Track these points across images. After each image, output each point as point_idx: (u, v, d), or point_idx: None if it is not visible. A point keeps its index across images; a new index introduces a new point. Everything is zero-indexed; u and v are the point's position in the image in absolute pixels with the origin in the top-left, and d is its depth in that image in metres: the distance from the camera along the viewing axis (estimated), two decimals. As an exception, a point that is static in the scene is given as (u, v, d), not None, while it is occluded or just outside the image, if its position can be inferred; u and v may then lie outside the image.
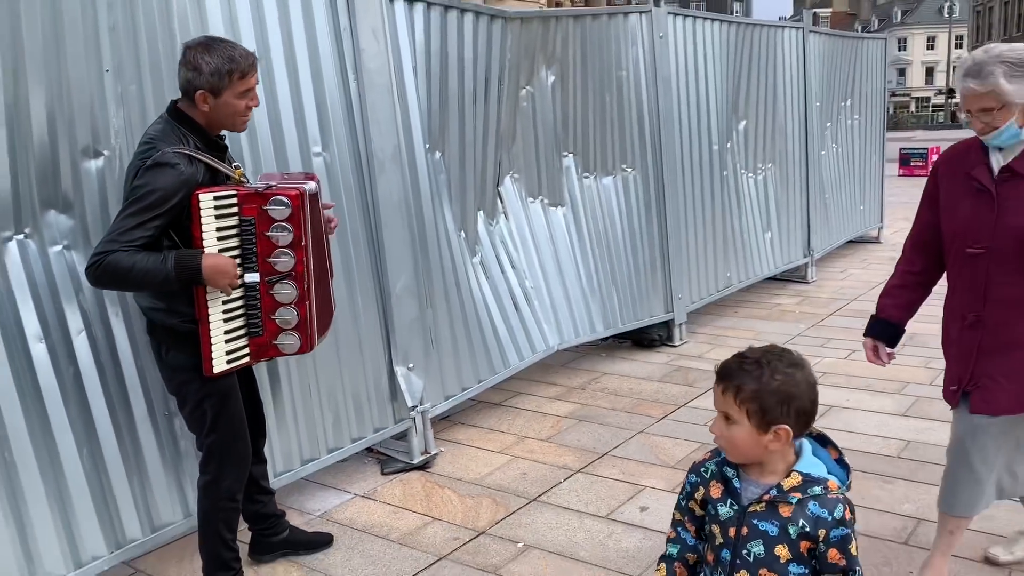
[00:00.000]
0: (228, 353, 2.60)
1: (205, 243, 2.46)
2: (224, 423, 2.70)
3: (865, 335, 2.73)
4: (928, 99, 69.94)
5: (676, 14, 5.57)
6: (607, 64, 5.17)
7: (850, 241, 8.82)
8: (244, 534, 3.03)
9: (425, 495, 3.62)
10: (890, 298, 2.70)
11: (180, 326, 2.58)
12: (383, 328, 3.80)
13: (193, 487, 2.93)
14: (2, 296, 2.58)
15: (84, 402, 2.76)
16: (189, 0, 3.01)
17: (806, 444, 1.72)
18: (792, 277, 7.60)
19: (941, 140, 24.85)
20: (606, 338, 5.57)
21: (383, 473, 3.86)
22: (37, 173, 2.65)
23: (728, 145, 6.23)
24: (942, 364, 2.65)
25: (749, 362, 1.65)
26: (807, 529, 1.63)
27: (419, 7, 3.95)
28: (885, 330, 2.69)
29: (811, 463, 1.69)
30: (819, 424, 1.72)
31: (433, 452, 3.97)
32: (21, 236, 2.64)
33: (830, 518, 1.62)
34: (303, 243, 2.58)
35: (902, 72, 71.68)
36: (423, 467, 3.89)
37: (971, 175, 2.43)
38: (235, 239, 2.54)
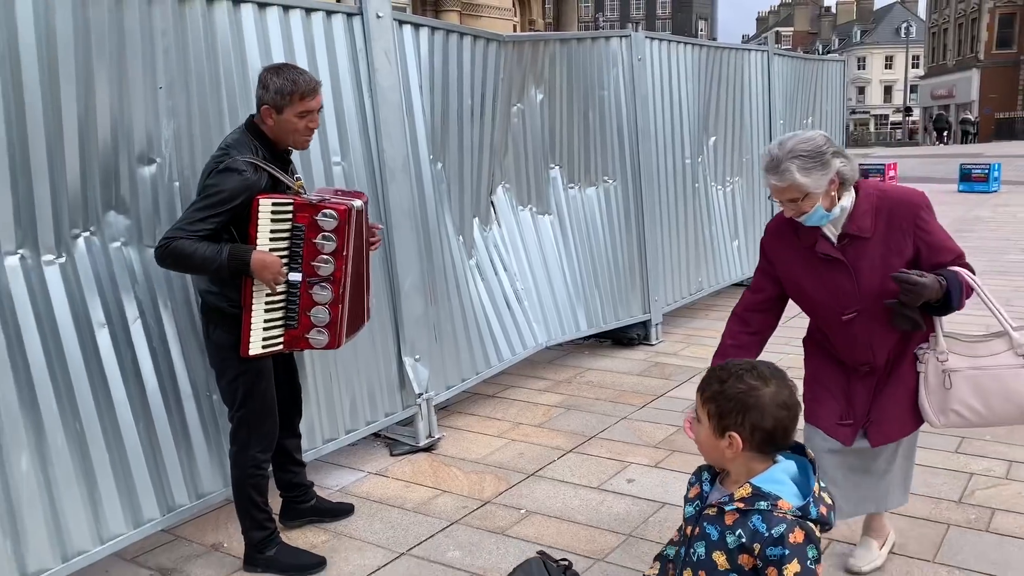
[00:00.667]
0: (264, 340, 2.95)
1: (259, 242, 2.81)
2: (254, 399, 3.02)
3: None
4: (887, 117, 71.66)
5: (653, 39, 6.04)
6: (590, 84, 5.61)
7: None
8: (277, 504, 3.38)
9: (433, 472, 4.00)
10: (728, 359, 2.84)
11: (228, 309, 2.92)
12: (393, 322, 4.18)
13: (232, 460, 3.27)
14: (73, 287, 2.93)
15: (140, 382, 3.10)
16: (230, 28, 3.37)
17: (785, 464, 1.73)
18: (758, 283, 8.06)
19: (899, 156, 25.78)
20: (588, 337, 5.99)
21: (392, 454, 4.22)
22: (101, 177, 3.00)
23: (699, 159, 6.71)
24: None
25: (725, 369, 1.76)
26: (743, 541, 1.64)
27: (424, 31, 4.35)
28: None
29: (773, 480, 1.68)
30: None
31: (437, 436, 4.34)
32: (87, 233, 2.99)
33: (767, 534, 1.61)
34: (344, 253, 2.90)
35: (862, 90, 73.42)
36: (429, 449, 4.26)
37: (815, 249, 2.57)
38: (285, 241, 2.88)
